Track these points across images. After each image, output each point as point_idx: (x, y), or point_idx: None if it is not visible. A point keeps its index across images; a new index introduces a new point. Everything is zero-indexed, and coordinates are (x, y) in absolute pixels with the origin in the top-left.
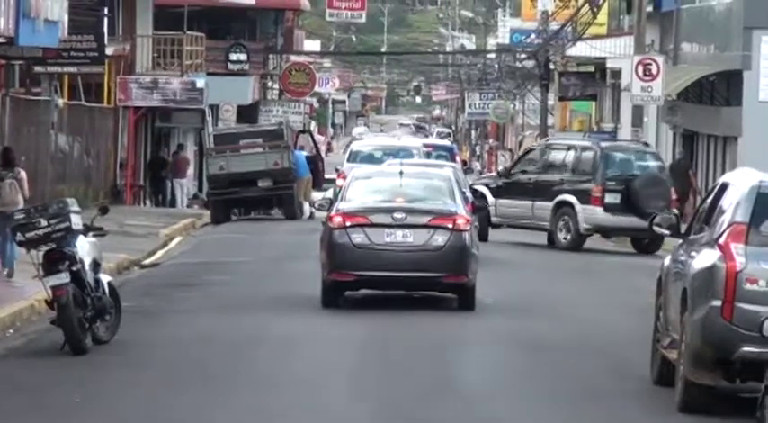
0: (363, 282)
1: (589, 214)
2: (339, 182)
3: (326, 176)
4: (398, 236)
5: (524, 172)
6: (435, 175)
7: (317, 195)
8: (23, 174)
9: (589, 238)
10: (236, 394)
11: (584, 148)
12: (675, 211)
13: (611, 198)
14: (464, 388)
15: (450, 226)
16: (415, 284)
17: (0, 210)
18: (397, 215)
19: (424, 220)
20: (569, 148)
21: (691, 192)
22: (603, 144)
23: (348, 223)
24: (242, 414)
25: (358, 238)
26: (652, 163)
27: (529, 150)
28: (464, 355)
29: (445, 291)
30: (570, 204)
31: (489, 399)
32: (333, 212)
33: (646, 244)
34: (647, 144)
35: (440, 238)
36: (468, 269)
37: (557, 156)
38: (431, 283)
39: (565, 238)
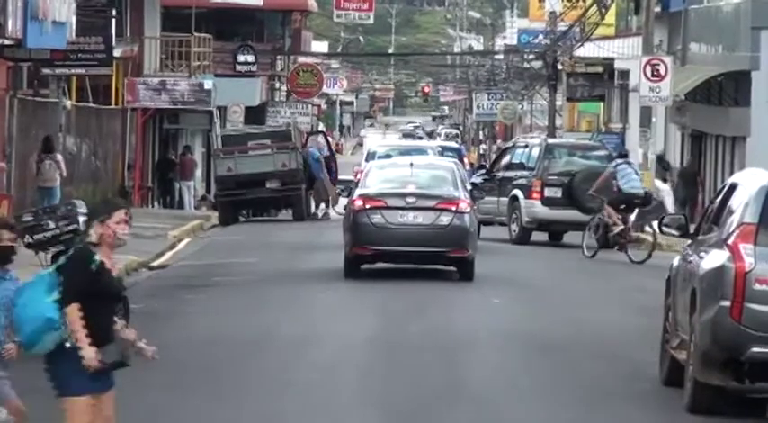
0: (380, 255)
1: (529, 208)
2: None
3: (340, 177)
4: (410, 217)
5: (498, 170)
6: (441, 167)
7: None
8: (60, 156)
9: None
10: (245, 397)
11: (535, 146)
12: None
13: (551, 192)
14: (471, 390)
15: (454, 209)
16: (423, 258)
17: (41, 185)
18: (410, 199)
19: (432, 203)
20: (526, 146)
21: (698, 196)
22: (550, 141)
23: (368, 206)
24: (251, 418)
25: (376, 218)
26: (598, 161)
27: (504, 150)
28: (471, 355)
29: (449, 264)
30: (518, 199)
31: (497, 400)
32: (354, 197)
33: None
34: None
35: (445, 219)
36: (468, 245)
37: (517, 154)
38: (437, 257)
39: (515, 232)
